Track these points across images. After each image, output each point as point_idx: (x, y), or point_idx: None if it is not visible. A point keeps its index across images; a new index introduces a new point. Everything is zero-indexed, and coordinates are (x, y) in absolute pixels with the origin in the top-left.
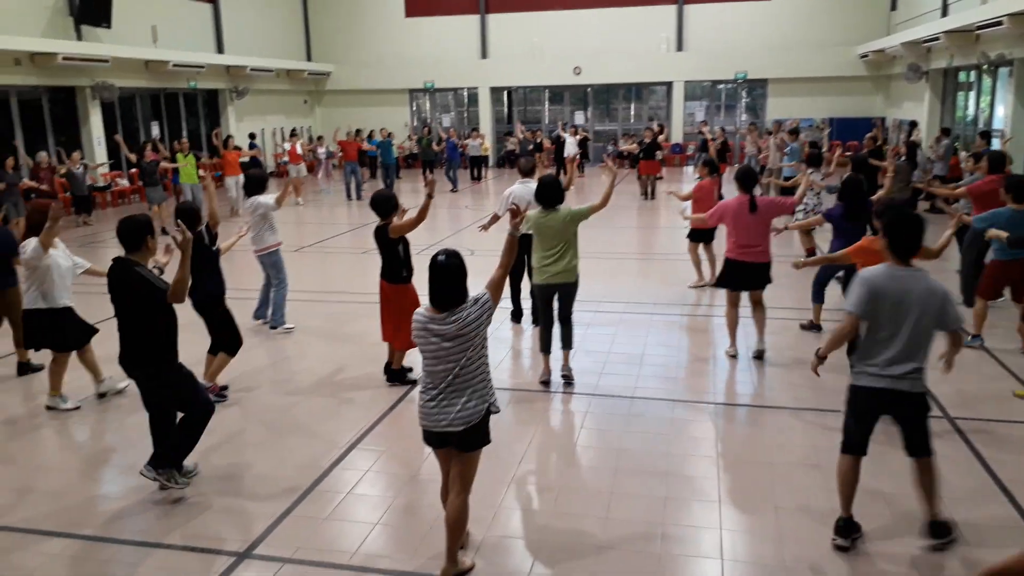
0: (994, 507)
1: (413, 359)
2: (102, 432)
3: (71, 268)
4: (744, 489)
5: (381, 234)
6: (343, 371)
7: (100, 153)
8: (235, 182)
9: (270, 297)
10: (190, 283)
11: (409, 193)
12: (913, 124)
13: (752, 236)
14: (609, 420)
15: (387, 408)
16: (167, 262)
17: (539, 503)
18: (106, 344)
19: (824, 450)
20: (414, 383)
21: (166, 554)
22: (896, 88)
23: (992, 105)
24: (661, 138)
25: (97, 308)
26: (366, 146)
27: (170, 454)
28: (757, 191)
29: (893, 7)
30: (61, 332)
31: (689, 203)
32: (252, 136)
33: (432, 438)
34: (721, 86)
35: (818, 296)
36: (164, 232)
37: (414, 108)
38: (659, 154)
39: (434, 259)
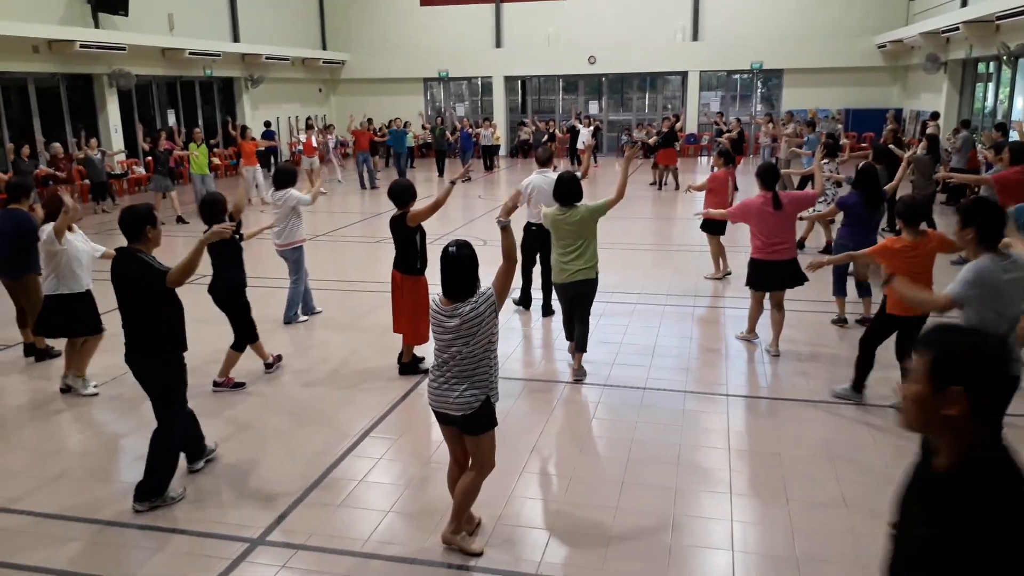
0: None
1: (425, 349)
2: (119, 417)
3: (89, 253)
4: (756, 481)
5: (398, 223)
6: (356, 360)
7: (117, 141)
8: (252, 172)
9: (301, 292)
10: (191, 273)
11: (423, 183)
12: (935, 115)
13: (778, 234)
14: (621, 410)
15: (400, 396)
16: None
17: (551, 492)
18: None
19: (837, 442)
20: (426, 372)
21: (181, 540)
22: (913, 79)
23: (1011, 96)
24: (678, 126)
25: (110, 296)
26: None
27: (148, 483)
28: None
29: None
30: (78, 317)
31: (702, 194)
32: (268, 124)
33: (437, 415)
34: (736, 76)
35: (840, 289)
36: (179, 221)
37: (428, 97)
38: (676, 144)
39: (445, 250)
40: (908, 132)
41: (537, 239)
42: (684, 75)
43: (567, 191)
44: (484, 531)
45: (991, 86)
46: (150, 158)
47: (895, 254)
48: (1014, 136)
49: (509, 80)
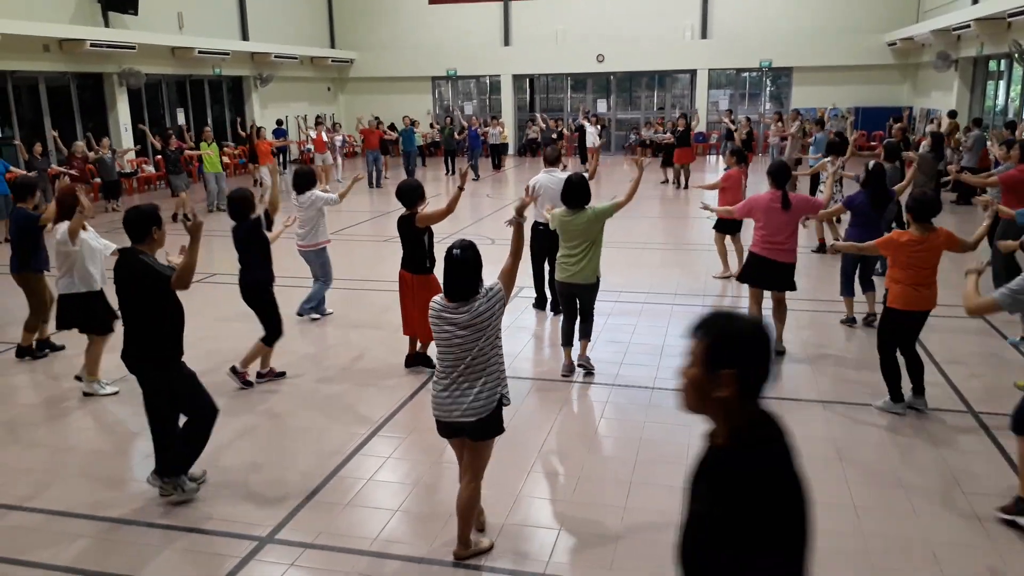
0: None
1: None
2: (130, 415)
3: (102, 251)
4: None
5: (407, 224)
6: (364, 359)
7: (127, 139)
8: (268, 170)
9: (324, 292)
10: (193, 273)
11: (431, 182)
12: (952, 113)
13: (781, 233)
14: (629, 410)
15: (408, 396)
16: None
17: (559, 491)
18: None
19: (845, 443)
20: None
21: (190, 537)
22: (924, 77)
23: (1023, 94)
24: (693, 124)
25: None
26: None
27: (176, 462)
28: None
29: None
30: (94, 315)
31: (715, 192)
32: (279, 123)
33: (444, 428)
34: (745, 74)
35: (848, 289)
36: (186, 218)
37: (436, 95)
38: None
39: (449, 251)
40: (918, 131)
41: (546, 238)
42: (693, 73)
43: (575, 194)
44: (492, 530)
45: (1002, 84)
46: (160, 157)
47: (900, 248)
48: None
49: (517, 78)
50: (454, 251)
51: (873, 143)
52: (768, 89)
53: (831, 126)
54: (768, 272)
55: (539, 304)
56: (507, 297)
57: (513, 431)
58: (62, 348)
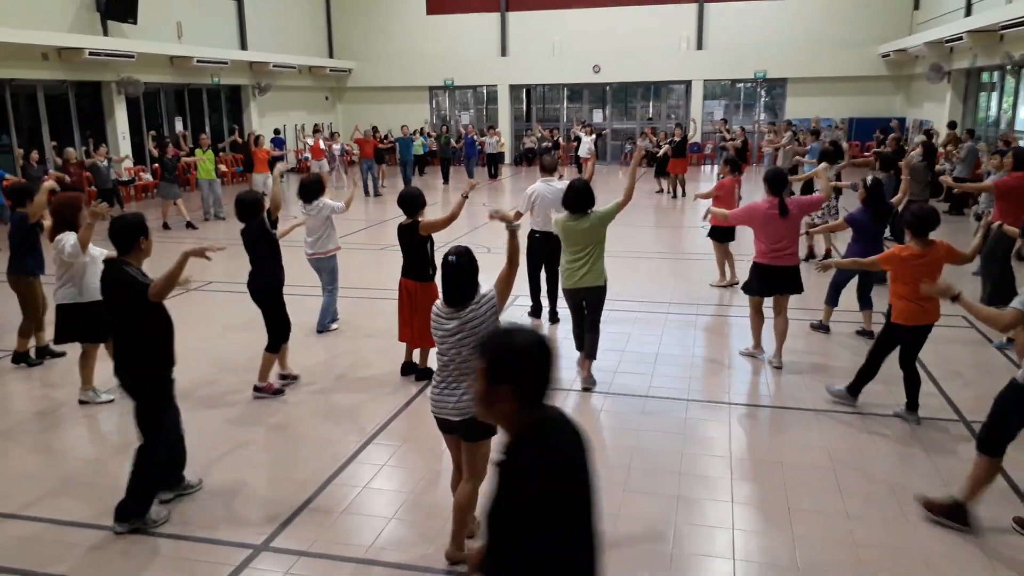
0: (1012, 510)
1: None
2: (126, 424)
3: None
4: (758, 489)
5: (410, 232)
6: (359, 367)
7: (125, 147)
8: (263, 179)
9: (336, 301)
10: (172, 286)
11: (429, 190)
12: (952, 124)
13: (783, 239)
14: (624, 418)
15: (404, 403)
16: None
17: None
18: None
19: (840, 451)
20: (429, 374)
21: (184, 546)
22: (917, 88)
23: (1015, 106)
24: (690, 135)
25: None
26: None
27: (129, 503)
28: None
29: (916, 6)
30: (95, 324)
31: (710, 201)
32: (277, 132)
33: (439, 424)
34: (740, 85)
35: (833, 299)
36: (189, 226)
37: (434, 105)
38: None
39: (446, 258)
40: (912, 141)
41: (542, 247)
42: (688, 84)
43: (578, 199)
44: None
45: (995, 96)
46: (157, 165)
47: (902, 262)
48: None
49: (514, 89)
50: (450, 258)
51: (867, 153)
52: (763, 100)
53: (825, 136)
54: (774, 279)
55: (535, 313)
56: (501, 305)
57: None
58: (63, 355)
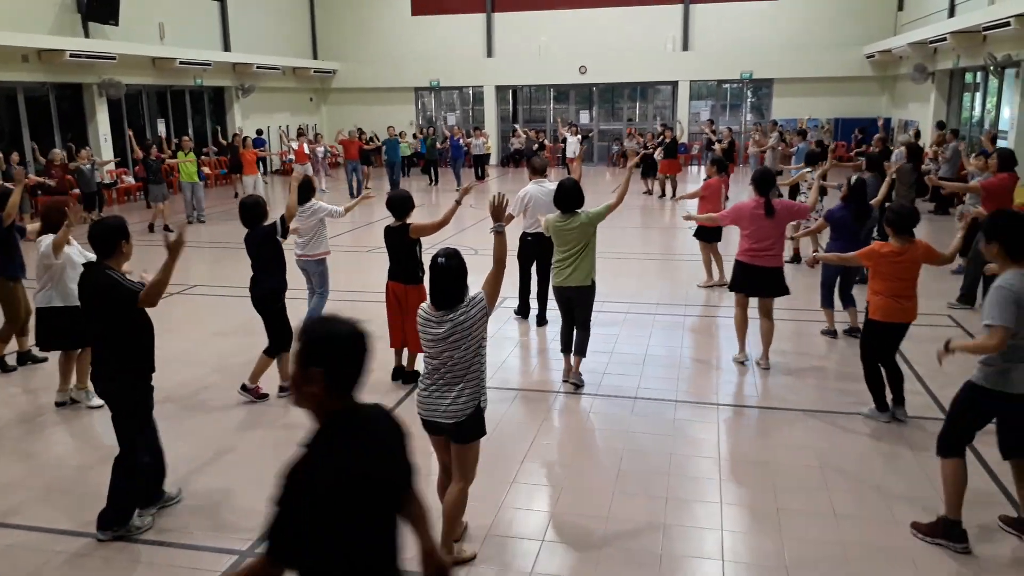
0: (997, 509)
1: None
2: (110, 430)
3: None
4: (746, 490)
5: (400, 235)
6: None
7: (106, 150)
8: (253, 181)
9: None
10: (163, 291)
11: (416, 192)
12: (941, 124)
13: (766, 240)
14: (612, 420)
15: (392, 406)
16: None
17: (542, 501)
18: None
19: (827, 452)
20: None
21: (169, 552)
22: (901, 89)
23: (998, 106)
24: (678, 136)
25: None
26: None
27: (110, 512)
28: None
29: (900, 7)
30: (76, 329)
31: (695, 201)
32: (259, 132)
33: (426, 426)
34: (726, 86)
35: (828, 301)
36: (167, 229)
37: (419, 106)
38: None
39: (435, 260)
40: (896, 141)
41: (533, 248)
42: (675, 85)
43: (569, 198)
44: (475, 540)
45: (978, 96)
46: (139, 167)
47: (881, 258)
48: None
49: (500, 90)
50: (439, 259)
51: (851, 155)
52: (749, 100)
53: (812, 136)
54: (757, 279)
55: (522, 312)
56: (490, 307)
57: (497, 441)
58: (44, 360)
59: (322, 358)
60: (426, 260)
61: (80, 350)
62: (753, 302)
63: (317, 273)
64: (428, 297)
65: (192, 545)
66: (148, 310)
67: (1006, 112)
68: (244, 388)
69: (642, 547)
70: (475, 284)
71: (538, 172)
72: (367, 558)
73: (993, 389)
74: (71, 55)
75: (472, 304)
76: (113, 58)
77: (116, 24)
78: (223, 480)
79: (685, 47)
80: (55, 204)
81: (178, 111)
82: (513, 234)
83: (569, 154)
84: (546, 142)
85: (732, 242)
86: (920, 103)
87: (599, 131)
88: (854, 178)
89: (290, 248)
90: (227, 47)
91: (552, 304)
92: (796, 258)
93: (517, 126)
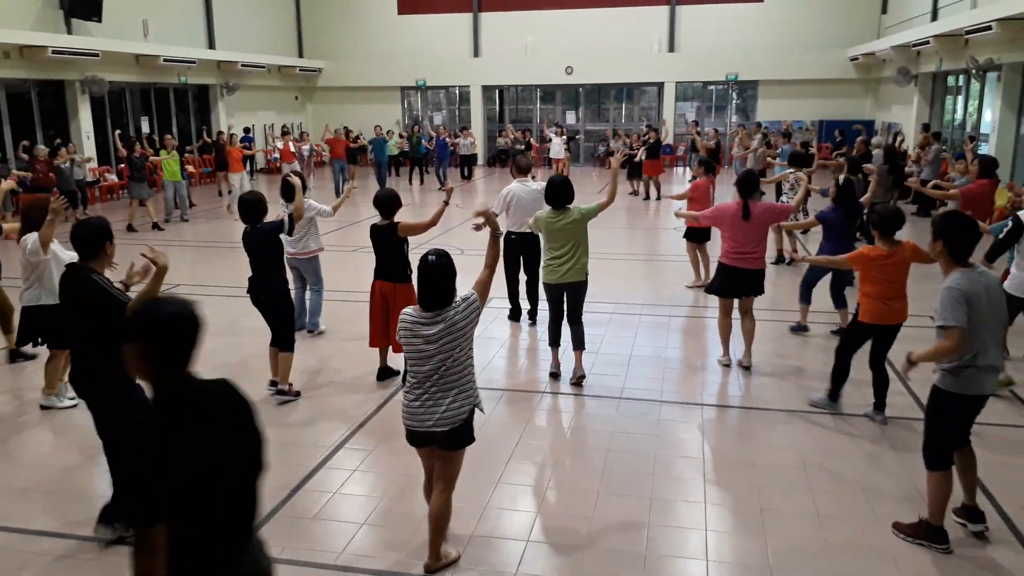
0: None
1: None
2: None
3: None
4: (730, 490)
5: (388, 233)
6: (329, 371)
7: (89, 147)
8: (239, 179)
9: (305, 302)
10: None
11: (403, 192)
12: (925, 127)
13: (748, 242)
14: (597, 420)
15: (374, 408)
16: (138, 280)
17: (527, 502)
18: None
19: (810, 452)
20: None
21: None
22: (885, 91)
23: (980, 110)
24: (663, 137)
25: None
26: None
27: (127, 507)
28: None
29: (884, 10)
30: (63, 326)
31: (684, 201)
32: (247, 131)
33: (415, 438)
34: (712, 87)
35: (806, 297)
36: (155, 227)
37: (406, 106)
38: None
39: (424, 259)
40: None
41: (518, 248)
42: (660, 86)
43: (560, 194)
44: (460, 541)
45: (960, 99)
46: (123, 165)
47: (870, 262)
48: (983, 150)
49: (487, 89)
50: (430, 258)
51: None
52: (734, 102)
53: (796, 138)
54: (738, 280)
55: (514, 316)
56: (481, 308)
57: (482, 441)
58: (33, 358)
59: (143, 334)
60: (414, 260)
61: (55, 350)
62: (734, 303)
63: (310, 270)
64: (416, 299)
65: None
66: None
67: (987, 115)
68: (280, 392)
69: (626, 547)
70: (462, 285)
71: (523, 171)
72: (211, 525)
73: (957, 393)
74: (53, 51)
75: (467, 304)
76: (96, 55)
77: (99, 21)
78: None
79: (671, 48)
80: (37, 202)
81: (162, 109)
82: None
83: (554, 154)
84: (532, 142)
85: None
86: (903, 106)
87: (585, 131)
88: (842, 178)
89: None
90: (212, 45)
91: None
92: (780, 259)
93: (510, 127)
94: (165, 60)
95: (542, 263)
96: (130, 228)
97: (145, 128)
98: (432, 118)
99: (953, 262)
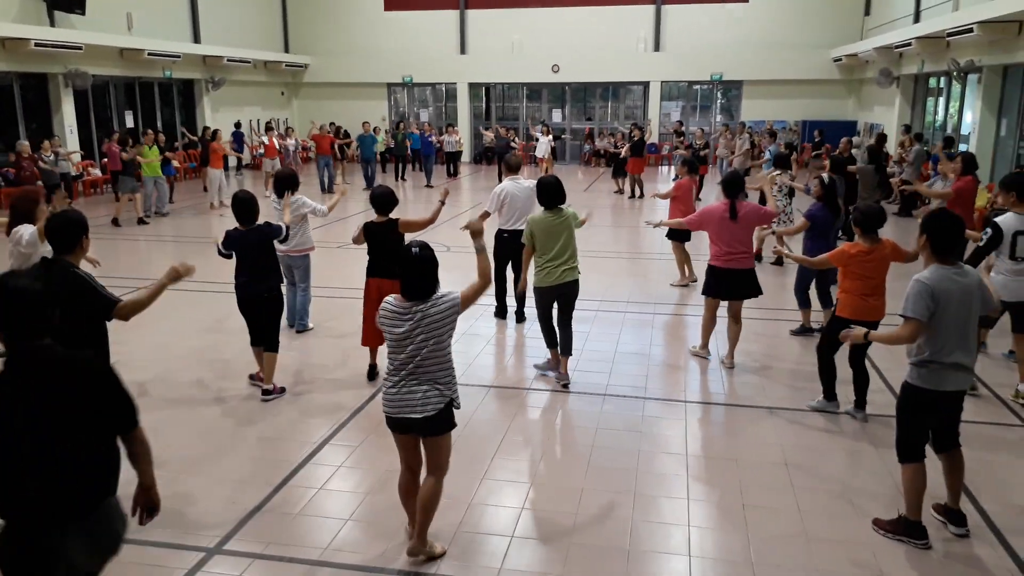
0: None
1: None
2: None
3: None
4: (713, 487)
5: (388, 231)
6: (314, 367)
7: (72, 141)
8: (219, 175)
9: (293, 300)
10: (142, 311)
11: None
12: (907, 128)
13: (736, 243)
14: (582, 417)
15: (360, 405)
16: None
17: (512, 498)
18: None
19: (793, 449)
20: None
21: (133, 550)
22: (868, 92)
23: (961, 111)
24: (647, 137)
25: None
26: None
27: None
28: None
29: (867, 12)
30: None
31: (667, 201)
32: (237, 125)
33: (394, 424)
34: (697, 87)
35: (804, 302)
36: (141, 222)
37: (392, 102)
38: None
39: (408, 250)
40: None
41: (510, 245)
42: (646, 85)
43: (553, 194)
44: (445, 536)
45: (942, 100)
46: (106, 160)
47: (851, 259)
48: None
49: (473, 87)
50: (413, 250)
51: (818, 153)
52: (719, 101)
53: (781, 138)
54: (732, 282)
55: (500, 314)
56: (462, 310)
57: (467, 438)
58: None
59: None
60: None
61: None
62: (722, 304)
63: (302, 268)
64: (402, 289)
65: (157, 542)
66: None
67: (968, 116)
68: (265, 392)
69: (610, 542)
70: (445, 281)
71: (513, 170)
72: (55, 478)
73: (927, 388)
74: (36, 44)
75: (446, 300)
76: (79, 48)
77: (83, 13)
78: (190, 476)
79: (657, 48)
80: (25, 194)
81: (146, 103)
82: (488, 232)
83: (539, 154)
84: (518, 140)
85: (700, 243)
86: (886, 107)
87: (571, 130)
88: (826, 176)
89: None
90: (197, 39)
91: (529, 301)
92: (758, 257)
93: (496, 125)
94: (149, 54)
95: (535, 268)
96: (115, 222)
97: (129, 122)
98: (419, 115)
99: (934, 257)
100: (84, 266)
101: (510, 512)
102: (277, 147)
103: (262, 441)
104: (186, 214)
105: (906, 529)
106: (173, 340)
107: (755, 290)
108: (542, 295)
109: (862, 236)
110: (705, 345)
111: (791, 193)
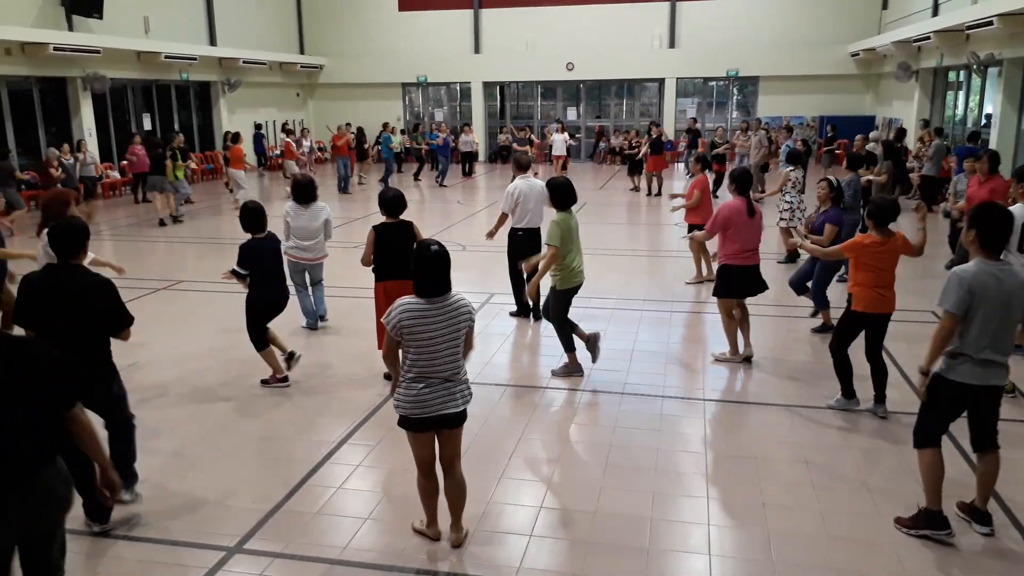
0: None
1: None
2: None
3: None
4: (732, 485)
5: (403, 232)
6: (332, 367)
7: (91, 144)
8: (242, 174)
9: (311, 301)
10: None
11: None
12: (925, 123)
13: (753, 239)
14: (600, 415)
15: (378, 403)
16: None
17: (530, 497)
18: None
19: (813, 446)
20: None
21: (155, 549)
22: (886, 87)
23: (981, 105)
24: (663, 134)
25: None
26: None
27: (130, 468)
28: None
29: (884, 6)
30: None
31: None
32: (258, 127)
33: (423, 423)
34: (713, 83)
35: (823, 303)
36: (161, 224)
37: (407, 102)
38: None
39: (426, 249)
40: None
41: (524, 244)
42: (661, 82)
43: (566, 195)
44: (447, 536)
45: (961, 94)
46: (125, 162)
47: (864, 249)
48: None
49: (488, 86)
50: (432, 248)
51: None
52: (735, 98)
53: (797, 134)
54: (745, 280)
55: (521, 313)
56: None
57: (485, 436)
58: None
59: None
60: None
61: None
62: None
63: (318, 270)
64: (421, 288)
65: (178, 541)
66: (132, 311)
67: (988, 110)
68: (264, 382)
69: (629, 541)
70: (460, 280)
71: (523, 168)
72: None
73: (952, 380)
74: (55, 48)
75: (461, 302)
76: (97, 52)
77: (100, 17)
78: (210, 476)
79: (672, 44)
80: (55, 195)
81: (164, 106)
82: (502, 231)
83: (556, 152)
84: (533, 138)
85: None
86: (904, 101)
87: (586, 128)
88: (833, 180)
89: None
90: (213, 41)
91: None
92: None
93: (510, 125)
94: (166, 57)
95: (553, 271)
96: (164, 222)
97: (147, 125)
98: (433, 114)
99: (982, 250)
100: (108, 273)
101: (528, 511)
102: (295, 150)
103: (280, 440)
104: (205, 214)
105: (927, 521)
106: (191, 340)
107: (764, 285)
108: (565, 297)
109: (875, 228)
110: (735, 351)
111: (803, 189)
